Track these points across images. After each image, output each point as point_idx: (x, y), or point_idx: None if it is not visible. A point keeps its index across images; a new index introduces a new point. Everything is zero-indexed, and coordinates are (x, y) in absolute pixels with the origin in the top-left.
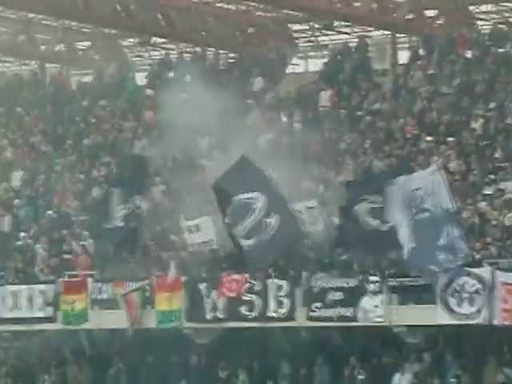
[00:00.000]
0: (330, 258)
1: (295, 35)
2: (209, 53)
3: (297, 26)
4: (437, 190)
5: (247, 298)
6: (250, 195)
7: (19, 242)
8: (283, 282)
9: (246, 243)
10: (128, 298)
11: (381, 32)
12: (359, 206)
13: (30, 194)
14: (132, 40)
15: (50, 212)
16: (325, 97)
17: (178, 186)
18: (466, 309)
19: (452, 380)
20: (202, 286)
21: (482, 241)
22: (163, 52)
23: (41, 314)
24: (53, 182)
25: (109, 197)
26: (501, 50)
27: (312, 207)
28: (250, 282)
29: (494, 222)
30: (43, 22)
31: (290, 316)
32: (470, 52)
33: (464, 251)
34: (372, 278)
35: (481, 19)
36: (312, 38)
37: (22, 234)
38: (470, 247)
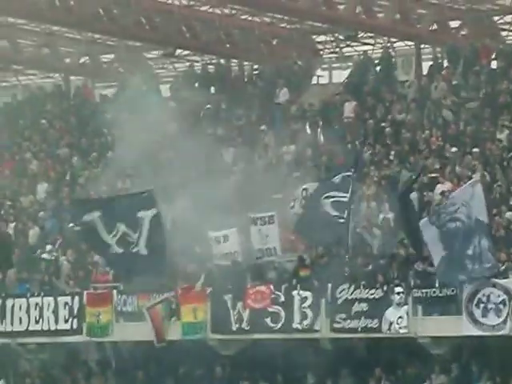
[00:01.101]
0: (355, 269)
1: (319, 46)
2: (233, 64)
3: (321, 38)
4: (473, 202)
5: (272, 310)
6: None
7: (45, 255)
8: (308, 294)
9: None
10: (153, 311)
11: (404, 43)
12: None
13: (55, 206)
14: (156, 52)
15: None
16: (349, 108)
17: (203, 198)
18: (491, 320)
19: None
20: (228, 298)
21: (507, 252)
22: (187, 64)
23: (66, 326)
24: (77, 194)
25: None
26: None
27: None
28: (275, 294)
29: None
30: (67, 34)
31: (314, 327)
32: (494, 62)
33: (491, 262)
34: (397, 289)
35: (505, 30)
36: (336, 50)
37: (48, 246)
38: (496, 258)
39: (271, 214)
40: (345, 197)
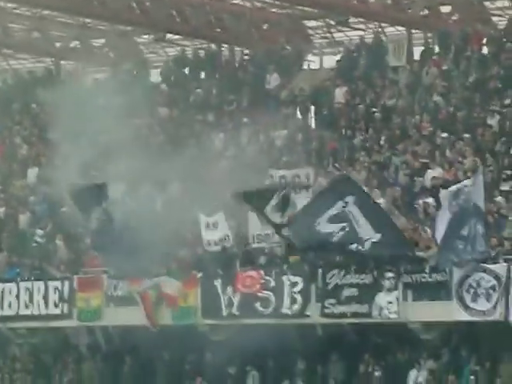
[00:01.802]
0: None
1: (310, 32)
2: (224, 49)
3: (312, 23)
4: (474, 189)
5: (262, 295)
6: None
7: (35, 239)
8: (298, 279)
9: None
10: (144, 295)
11: (396, 28)
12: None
13: (46, 191)
14: (147, 37)
15: (65, 209)
16: (340, 93)
17: (194, 181)
18: (481, 305)
19: (471, 377)
20: (218, 283)
21: (497, 237)
22: (178, 49)
23: (56, 311)
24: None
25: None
26: None
27: None
28: (265, 279)
29: (511, 218)
30: (58, 18)
31: (304, 313)
32: (485, 48)
33: (483, 248)
34: (387, 275)
35: (496, 15)
36: (327, 35)
37: (39, 231)
38: (489, 245)
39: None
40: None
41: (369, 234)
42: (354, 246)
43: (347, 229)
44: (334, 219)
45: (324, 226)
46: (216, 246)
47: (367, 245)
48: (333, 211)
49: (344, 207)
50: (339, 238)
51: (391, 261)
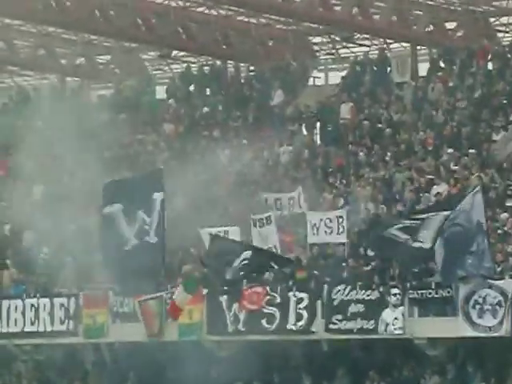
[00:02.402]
0: (351, 271)
1: (316, 48)
2: (229, 66)
3: (317, 39)
4: (473, 209)
5: (268, 311)
6: None
7: (41, 256)
8: (304, 295)
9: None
10: (144, 305)
11: (401, 44)
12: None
13: (52, 208)
14: (152, 53)
15: (71, 226)
16: (345, 109)
17: (199, 198)
18: (487, 321)
19: None
20: (223, 299)
21: (503, 253)
22: (184, 65)
23: (62, 328)
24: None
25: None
26: None
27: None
28: (270, 295)
29: None
30: (63, 35)
31: (310, 329)
32: (490, 64)
33: (490, 263)
34: (393, 291)
35: (501, 31)
36: (332, 51)
37: (45, 248)
38: (493, 259)
39: (268, 214)
40: None
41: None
42: None
43: None
44: None
45: None
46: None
47: None
48: None
49: None
50: None
51: None
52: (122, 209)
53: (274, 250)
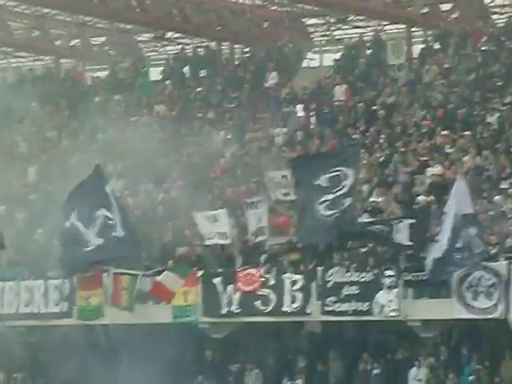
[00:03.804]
0: (346, 252)
1: (310, 29)
2: (224, 47)
3: (312, 20)
4: (459, 196)
5: (262, 293)
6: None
7: (35, 238)
8: (298, 277)
9: (325, 213)
10: (117, 277)
11: (396, 26)
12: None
13: (46, 189)
14: (147, 35)
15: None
16: (340, 91)
17: (192, 181)
18: (482, 303)
19: (472, 376)
20: (217, 281)
21: (497, 235)
22: (178, 47)
23: (56, 310)
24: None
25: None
26: None
27: None
28: (264, 277)
29: (510, 216)
30: (58, 17)
31: (305, 310)
32: (484, 46)
33: (480, 247)
34: (387, 273)
35: (496, 13)
36: (327, 32)
37: (39, 229)
38: (486, 242)
39: (259, 198)
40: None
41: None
42: None
43: None
44: None
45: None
46: (214, 240)
47: None
48: None
49: None
50: None
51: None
52: (77, 217)
53: (265, 230)
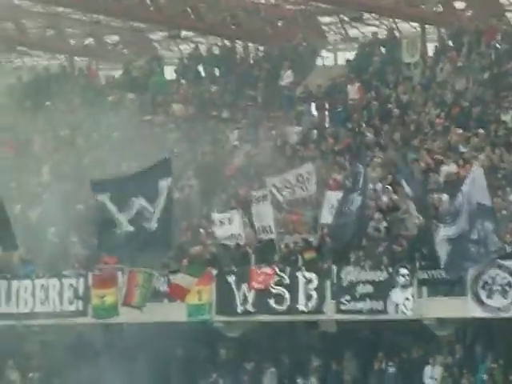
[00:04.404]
0: (360, 251)
1: (324, 28)
2: (238, 46)
3: (326, 19)
4: (475, 186)
5: (277, 292)
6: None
7: (49, 236)
8: (313, 276)
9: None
10: (132, 274)
11: (410, 24)
12: None
13: (60, 188)
14: (161, 34)
15: (80, 206)
16: (353, 90)
17: (207, 181)
18: (497, 301)
19: (486, 374)
20: (232, 279)
21: None
22: (192, 46)
23: (71, 308)
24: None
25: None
26: None
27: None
28: (279, 275)
29: None
30: (72, 16)
31: (319, 309)
32: (499, 44)
33: (497, 245)
34: (402, 271)
35: (510, 11)
36: (341, 31)
37: (52, 228)
38: (502, 240)
39: (264, 192)
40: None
41: None
42: None
43: None
44: None
45: None
46: (227, 241)
47: None
48: None
49: None
50: None
51: None
52: (109, 196)
53: (269, 230)
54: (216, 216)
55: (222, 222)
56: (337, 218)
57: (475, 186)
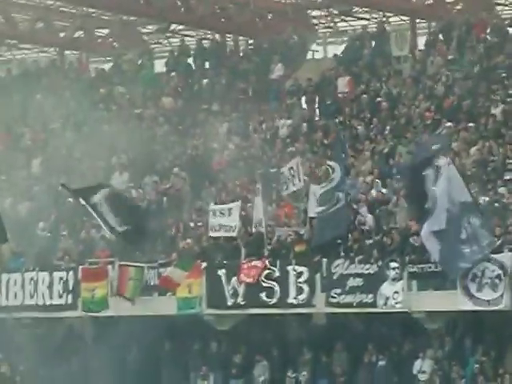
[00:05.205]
0: (350, 244)
1: (314, 21)
2: (228, 39)
3: (316, 12)
4: (452, 186)
5: (267, 285)
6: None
7: (39, 230)
8: (303, 269)
9: (316, 209)
10: (123, 268)
11: (400, 17)
12: None
13: (50, 181)
14: (151, 27)
15: (69, 199)
16: (342, 83)
17: (197, 174)
18: (486, 294)
19: (476, 367)
20: (222, 273)
21: (501, 226)
22: (182, 39)
23: (60, 301)
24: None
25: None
26: None
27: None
28: (269, 269)
29: None
30: (62, 8)
31: (310, 302)
32: (489, 37)
33: (488, 238)
34: (392, 264)
35: (500, 4)
36: (331, 24)
37: (42, 221)
38: (492, 233)
39: (257, 186)
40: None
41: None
42: None
43: None
44: None
45: None
46: (220, 232)
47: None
48: None
49: None
50: None
51: None
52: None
53: (259, 223)
54: (214, 207)
55: (222, 213)
56: (318, 213)
57: (453, 185)
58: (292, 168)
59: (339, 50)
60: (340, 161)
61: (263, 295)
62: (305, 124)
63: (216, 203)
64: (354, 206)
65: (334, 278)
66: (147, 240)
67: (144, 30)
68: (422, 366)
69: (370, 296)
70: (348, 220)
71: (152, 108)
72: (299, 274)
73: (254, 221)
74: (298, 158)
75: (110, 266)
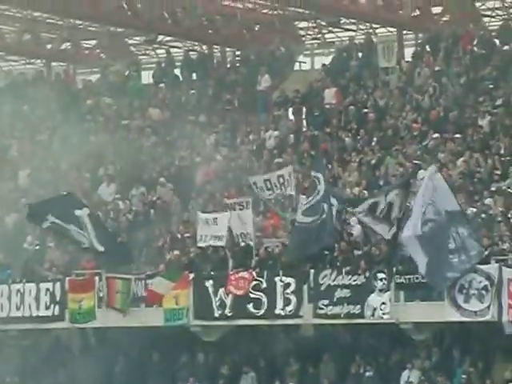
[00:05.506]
0: (338, 255)
1: (301, 32)
2: (215, 51)
3: (303, 24)
4: (438, 195)
5: (255, 296)
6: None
7: (27, 243)
8: (291, 280)
9: (302, 219)
10: (111, 280)
11: (387, 29)
12: None
13: (38, 193)
14: (138, 38)
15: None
16: (329, 94)
17: (184, 184)
18: (474, 305)
19: (463, 378)
20: (209, 284)
21: (489, 237)
22: (170, 50)
23: (47, 313)
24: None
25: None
26: (506, 48)
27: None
28: (257, 280)
29: (500, 219)
30: (48, 20)
31: (297, 313)
32: (476, 48)
33: (476, 248)
34: (379, 275)
35: (487, 16)
36: (318, 36)
37: (29, 235)
38: (480, 243)
39: (247, 199)
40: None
41: None
42: None
43: None
44: None
45: None
46: (209, 242)
47: None
48: None
49: None
50: None
51: None
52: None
53: (248, 237)
54: (202, 216)
55: (208, 222)
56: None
57: (439, 194)
58: (282, 176)
59: (326, 61)
60: (323, 171)
61: (250, 306)
62: (292, 135)
63: (204, 212)
64: (343, 217)
65: (322, 289)
66: (125, 262)
67: (131, 42)
68: (410, 377)
69: (358, 307)
70: (331, 232)
71: (139, 119)
72: (287, 285)
73: (239, 232)
74: (290, 166)
75: (96, 278)
